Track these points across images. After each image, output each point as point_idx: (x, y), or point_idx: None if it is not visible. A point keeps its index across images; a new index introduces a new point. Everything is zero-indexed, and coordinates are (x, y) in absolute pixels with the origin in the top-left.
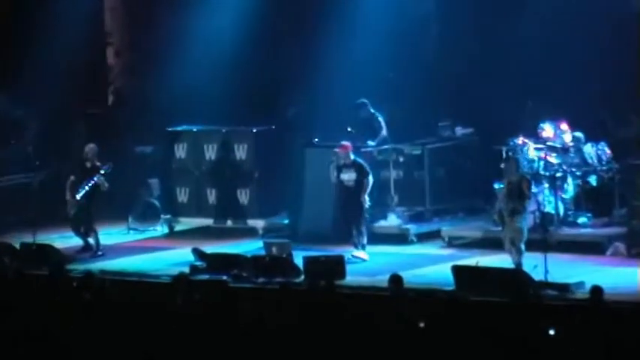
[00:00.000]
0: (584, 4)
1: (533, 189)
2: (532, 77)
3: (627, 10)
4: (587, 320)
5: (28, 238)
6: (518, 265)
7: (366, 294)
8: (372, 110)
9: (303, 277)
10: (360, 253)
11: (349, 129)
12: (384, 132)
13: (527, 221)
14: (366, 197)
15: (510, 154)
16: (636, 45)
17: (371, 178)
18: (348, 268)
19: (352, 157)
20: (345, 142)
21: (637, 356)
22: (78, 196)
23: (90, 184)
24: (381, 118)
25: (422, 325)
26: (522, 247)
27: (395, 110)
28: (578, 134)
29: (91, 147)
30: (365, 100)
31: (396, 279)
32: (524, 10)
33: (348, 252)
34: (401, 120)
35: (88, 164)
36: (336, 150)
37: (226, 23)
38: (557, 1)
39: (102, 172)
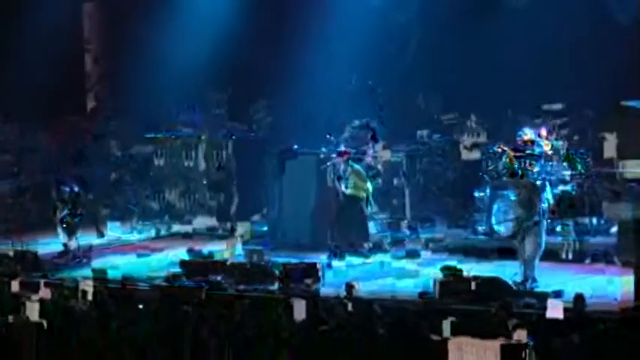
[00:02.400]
0: (568, 14)
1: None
2: (512, 85)
3: (609, 21)
4: (567, 329)
5: (7, 245)
6: (528, 278)
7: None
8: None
9: (280, 284)
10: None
11: (328, 136)
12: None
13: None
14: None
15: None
16: (618, 56)
17: (369, 185)
18: (327, 275)
19: (350, 164)
20: (343, 149)
21: None
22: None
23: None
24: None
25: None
26: (537, 262)
27: (374, 117)
28: (559, 142)
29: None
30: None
31: (350, 287)
32: (505, 18)
33: (326, 260)
34: (380, 127)
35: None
36: (334, 156)
37: (204, 30)
38: (539, 11)
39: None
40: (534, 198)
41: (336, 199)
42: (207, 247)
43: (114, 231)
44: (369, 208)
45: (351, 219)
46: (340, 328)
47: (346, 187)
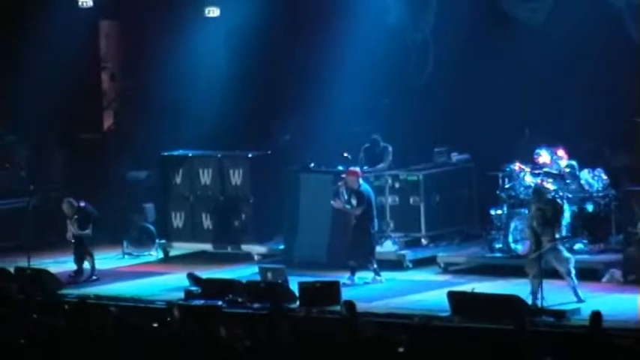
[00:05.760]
0: (582, 32)
1: None
2: (529, 104)
3: (624, 39)
4: (585, 348)
5: (23, 263)
6: (574, 288)
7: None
8: (383, 143)
9: (298, 302)
10: (378, 277)
11: (345, 154)
12: (387, 164)
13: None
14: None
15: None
16: (633, 73)
17: (359, 211)
18: (345, 294)
19: (360, 182)
20: (354, 168)
21: None
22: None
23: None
24: (390, 149)
25: (401, 350)
26: (573, 272)
27: (390, 136)
28: (575, 162)
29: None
30: (376, 137)
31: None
32: (520, 37)
33: (344, 277)
34: (397, 146)
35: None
36: (344, 176)
37: (221, 49)
38: (554, 29)
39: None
40: (558, 217)
41: (349, 218)
42: (220, 269)
43: (128, 250)
44: (384, 226)
45: (356, 238)
46: None
47: (351, 207)
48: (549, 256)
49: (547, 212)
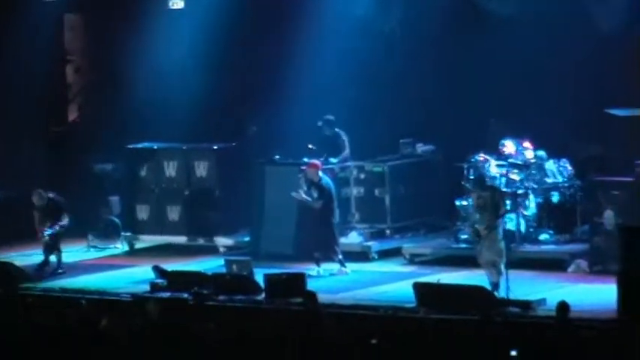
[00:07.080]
0: (549, 23)
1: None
2: (494, 95)
3: (592, 30)
4: (552, 338)
5: None
6: (495, 285)
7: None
8: (336, 129)
9: (263, 294)
10: (344, 269)
11: (310, 146)
12: (347, 150)
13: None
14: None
15: (472, 170)
16: (600, 64)
17: (319, 204)
18: (311, 285)
19: (320, 175)
20: (314, 161)
21: None
22: (45, 234)
23: (54, 230)
24: (345, 137)
25: (374, 341)
26: (502, 267)
27: (356, 127)
28: (541, 152)
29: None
30: (331, 117)
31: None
32: (488, 28)
33: (310, 269)
34: (362, 137)
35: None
36: (304, 168)
37: (187, 42)
38: (522, 21)
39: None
40: (497, 203)
41: (315, 210)
42: (186, 261)
43: (93, 243)
44: (350, 217)
45: (318, 230)
46: None
47: (312, 199)
48: (484, 243)
49: (486, 199)
